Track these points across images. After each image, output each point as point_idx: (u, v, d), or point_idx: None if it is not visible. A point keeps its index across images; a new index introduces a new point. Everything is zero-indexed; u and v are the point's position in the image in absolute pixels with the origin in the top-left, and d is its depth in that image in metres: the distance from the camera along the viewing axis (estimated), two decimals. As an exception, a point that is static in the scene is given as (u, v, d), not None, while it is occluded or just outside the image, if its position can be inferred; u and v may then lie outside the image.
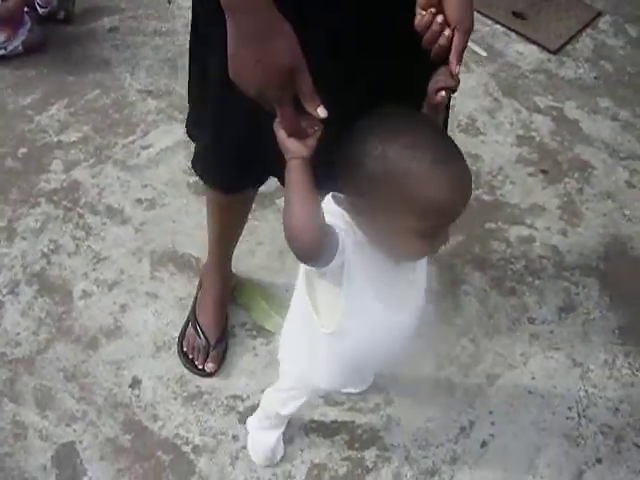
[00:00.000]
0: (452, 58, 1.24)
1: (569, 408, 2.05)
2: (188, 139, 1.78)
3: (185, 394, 2.01)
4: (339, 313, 1.34)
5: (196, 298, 2.13)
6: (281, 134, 1.16)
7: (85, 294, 2.20)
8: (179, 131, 2.49)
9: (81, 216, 2.37)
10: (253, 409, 1.97)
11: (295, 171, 1.17)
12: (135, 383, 2.03)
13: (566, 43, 3.09)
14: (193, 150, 1.76)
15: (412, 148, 1.16)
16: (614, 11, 3.26)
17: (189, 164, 1.83)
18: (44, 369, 2.04)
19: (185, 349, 2.06)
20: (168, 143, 2.56)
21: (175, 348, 2.08)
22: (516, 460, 1.95)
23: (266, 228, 2.32)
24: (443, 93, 1.26)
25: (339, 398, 2.00)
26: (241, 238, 2.04)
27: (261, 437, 1.88)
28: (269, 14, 1.06)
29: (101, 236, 2.33)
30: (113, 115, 2.66)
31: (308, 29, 1.10)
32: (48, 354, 2.07)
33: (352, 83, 1.33)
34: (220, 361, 2.05)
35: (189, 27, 1.50)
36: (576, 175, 2.60)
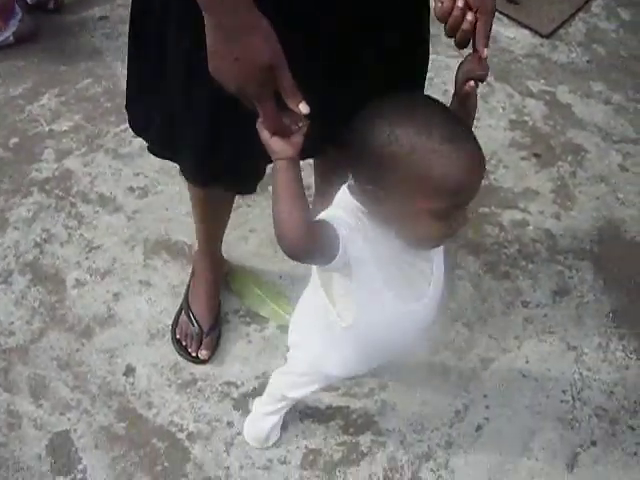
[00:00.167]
0: (478, 43, 1.23)
1: (563, 391, 2.05)
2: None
3: (179, 381, 2.01)
4: (354, 307, 1.34)
5: (189, 286, 2.12)
6: (264, 134, 1.14)
7: (78, 283, 2.19)
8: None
9: (73, 205, 2.37)
10: (247, 395, 1.98)
11: (281, 172, 1.15)
12: (129, 371, 2.02)
13: (559, 27, 3.09)
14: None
15: (423, 128, 1.15)
16: (606, -6, 3.26)
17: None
18: (38, 358, 2.04)
19: (178, 336, 2.06)
20: (160, 131, 2.55)
21: (169, 336, 2.08)
22: (511, 443, 1.95)
23: (259, 215, 2.32)
24: (472, 83, 1.24)
25: (334, 383, 2.00)
26: (234, 225, 2.03)
27: (260, 421, 1.88)
28: (247, 11, 1.05)
29: (93, 225, 2.32)
30: (105, 104, 2.65)
31: (287, 30, 1.08)
32: (42, 343, 2.07)
33: (332, 85, 1.33)
34: (214, 348, 2.05)
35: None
36: (569, 159, 2.60)
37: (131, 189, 2.40)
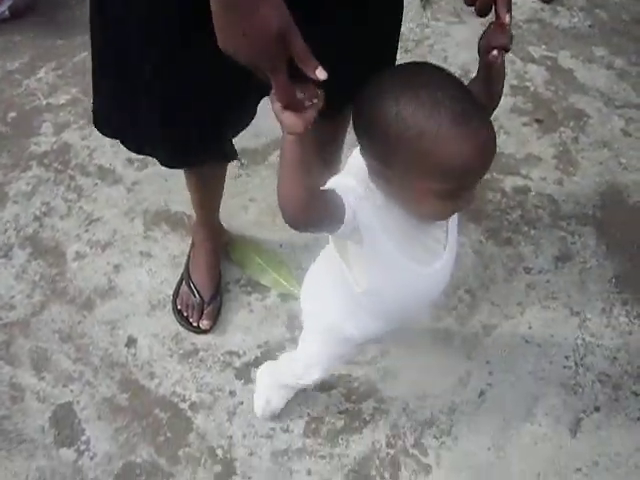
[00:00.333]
0: (500, 9, 1.19)
1: (566, 357, 2.05)
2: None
3: (181, 351, 2.01)
4: (368, 272, 1.32)
5: (189, 256, 2.12)
6: (276, 107, 1.09)
7: (78, 255, 2.19)
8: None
9: (72, 178, 2.36)
10: (249, 365, 1.98)
11: (289, 146, 1.12)
12: (131, 342, 2.02)
13: (560, -8, 3.06)
14: None
15: (431, 109, 1.10)
16: (608, -42, 3.22)
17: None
18: (40, 331, 2.04)
19: (179, 307, 2.06)
20: (158, 102, 2.53)
21: (170, 306, 2.08)
22: (514, 409, 1.95)
23: (259, 184, 2.31)
24: (495, 52, 1.20)
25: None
26: (233, 194, 2.02)
27: (266, 392, 1.86)
28: None
29: (93, 197, 2.31)
30: (102, 76, 2.64)
31: None
32: (43, 316, 2.07)
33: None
34: (215, 318, 2.05)
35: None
36: (571, 124, 2.58)
37: (130, 161, 2.39)
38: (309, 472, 1.84)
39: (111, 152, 2.41)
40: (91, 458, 1.84)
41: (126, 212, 2.28)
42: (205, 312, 2.03)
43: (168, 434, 1.88)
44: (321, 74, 1.05)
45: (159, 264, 2.17)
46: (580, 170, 2.46)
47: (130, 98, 1.47)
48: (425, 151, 1.12)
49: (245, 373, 1.97)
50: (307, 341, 1.65)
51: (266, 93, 1.09)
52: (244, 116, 1.59)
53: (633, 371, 2.03)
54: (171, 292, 2.10)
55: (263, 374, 1.88)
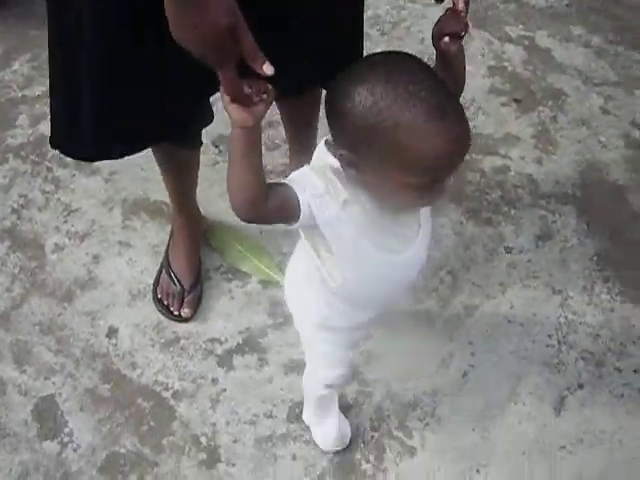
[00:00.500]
0: None
1: (549, 336, 2.05)
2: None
3: (162, 340, 2.00)
4: (339, 266, 1.31)
5: (168, 245, 2.11)
6: (225, 100, 1.10)
7: (57, 247, 2.18)
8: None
9: (49, 169, 2.34)
10: (231, 352, 1.98)
11: (237, 140, 1.13)
12: (112, 332, 2.02)
13: (536, -29, 3.05)
14: None
15: (407, 102, 1.09)
16: (584, -63, 3.21)
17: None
18: (20, 324, 2.03)
19: (160, 296, 2.05)
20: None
21: (150, 296, 2.07)
22: (497, 389, 1.95)
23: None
24: (447, 39, 1.20)
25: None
26: (211, 181, 2.02)
27: (322, 426, 1.84)
28: None
29: (71, 188, 2.30)
30: (78, 66, 2.62)
31: None
32: (23, 309, 2.06)
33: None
34: (196, 306, 2.04)
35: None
36: (550, 103, 2.58)
37: (107, 151, 2.37)
38: (294, 457, 1.83)
39: (88, 142, 2.39)
40: (74, 450, 1.84)
41: (104, 202, 2.26)
42: (186, 300, 2.03)
43: (151, 423, 1.88)
44: (268, 69, 1.06)
45: (139, 253, 2.16)
46: (559, 149, 2.45)
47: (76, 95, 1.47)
48: (399, 144, 1.11)
49: (227, 360, 1.97)
50: (311, 346, 1.63)
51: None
52: (199, 111, 1.60)
53: (616, 348, 2.03)
54: (151, 281, 2.09)
55: (305, 414, 1.86)
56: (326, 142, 1.26)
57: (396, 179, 1.15)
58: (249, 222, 1.19)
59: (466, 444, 1.87)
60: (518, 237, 2.23)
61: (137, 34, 1.29)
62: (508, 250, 2.20)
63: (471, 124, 2.45)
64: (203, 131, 1.80)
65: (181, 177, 1.95)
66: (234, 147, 1.14)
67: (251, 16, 1.05)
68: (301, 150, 2.03)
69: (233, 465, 1.82)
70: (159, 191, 2.24)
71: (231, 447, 1.85)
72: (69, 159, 2.33)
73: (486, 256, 2.19)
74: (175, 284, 2.03)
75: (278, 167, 2.28)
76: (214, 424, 1.87)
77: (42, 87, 2.57)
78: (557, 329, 2.06)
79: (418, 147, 1.11)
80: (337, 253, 1.28)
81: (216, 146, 2.24)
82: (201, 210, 2.12)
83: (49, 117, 2.40)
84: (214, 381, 1.94)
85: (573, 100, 2.60)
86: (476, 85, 2.60)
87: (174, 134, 1.62)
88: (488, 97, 2.58)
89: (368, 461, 1.83)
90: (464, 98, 2.51)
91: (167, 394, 1.92)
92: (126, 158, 2.17)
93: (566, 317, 2.08)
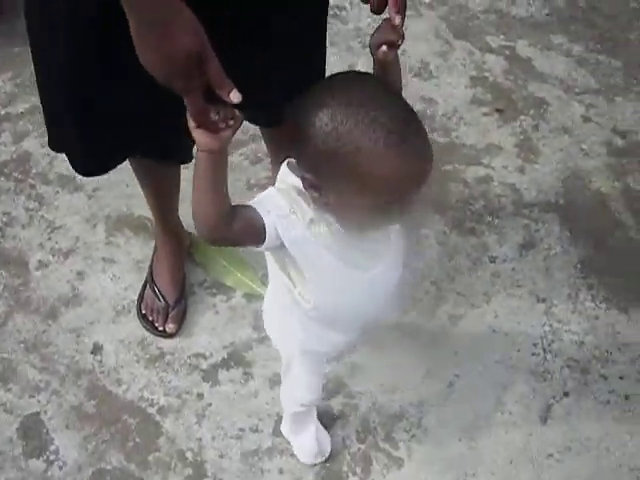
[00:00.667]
0: (391, 10, 1.19)
1: (534, 344, 2.05)
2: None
3: (147, 356, 2.00)
4: (311, 287, 1.31)
5: (152, 260, 2.11)
6: (190, 125, 1.10)
7: (41, 264, 2.17)
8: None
9: (33, 187, 2.34)
10: (216, 366, 1.98)
11: (202, 164, 1.13)
12: (97, 349, 2.01)
13: (516, -19, 3.07)
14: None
15: (368, 127, 1.09)
16: (563, -54, 3.23)
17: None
18: (4, 342, 2.02)
19: (144, 311, 2.05)
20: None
21: (135, 311, 2.07)
22: (483, 399, 1.95)
23: (220, 185, 2.30)
24: (384, 48, 1.19)
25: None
26: (193, 196, 2.01)
27: (300, 439, 1.84)
28: (165, 3, 1.00)
29: (54, 205, 2.30)
30: (60, 83, 2.62)
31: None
32: (8, 327, 2.05)
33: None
34: (180, 321, 2.04)
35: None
36: (531, 112, 2.59)
37: (91, 167, 2.37)
38: (280, 471, 1.83)
39: (71, 159, 2.39)
40: (60, 468, 1.83)
41: (88, 219, 2.26)
42: (170, 316, 2.02)
43: (137, 439, 1.87)
44: (235, 97, 1.06)
45: (123, 269, 2.15)
46: (541, 158, 2.46)
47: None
48: (361, 168, 1.12)
49: (212, 375, 1.96)
50: (287, 366, 1.62)
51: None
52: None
53: (601, 355, 2.04)
54: (135, 297, 2.09)
55: (283, 427, 1.86)
56: (288, 164, 1.27)
57: (358, 202, 1.16)
58: (214, 244, 1.19)
59: (453, 454, 1.87)
60: (502, 246, 2.23)
61: (106, 53, 1.30)
62: (492, 259, 2.20)
63: (453, 134, 2.50)
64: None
65: (162, 194, 1.95)
66: (200, 170, 1.14)
67: (220, 47, 1.05)
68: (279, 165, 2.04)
69: (220, 480, 1.82)
70: (142, 207, 2.23)
71: (217, 462, 1.84)
72: (52, 176, 2.35)
73: (470, 266, 2.19)
74: (159, 300, 2.03)
75: (261, 180, 2.29)
76: (200, 439, 1.87)
77: (25, 104, 2.56)
78: (542, 337, 2.06)
79: (380, 171, 1.11)
80: (307, 273, 1.28)
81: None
82: (184, 225, 2.12)
83: (32, 134, 2.42)
84: (199, 396, 1.94)
85: (554, 109, 2.61)
86: (458, 96, 2.62)
87: (150, 147, 1.61)
88: (470, 107, 2.59)
89: (355, 473, 1.83)
90: (446, 109, 2.57)
91: (152, 410, 1.91)
92: (110, 174, 2.18)
93: (551, 325, 2.09)
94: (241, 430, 1.89)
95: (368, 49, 1.22)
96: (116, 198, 2.30)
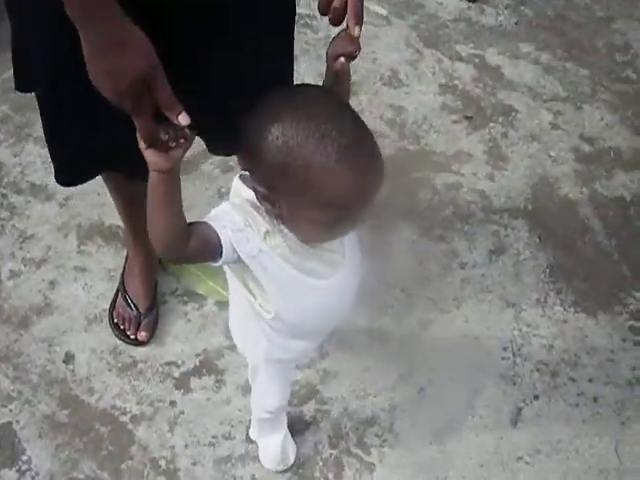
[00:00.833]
0: (350, 21, 1.21)
1: (504, 348, 2.07)
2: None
3: (120, 365, 2.00)
4: (270, 298, 1.32)
5: (124, 269, 2.11)
6: (141, 145, 1.10)
7: (13, 274, 2.17)
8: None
9: (4, 196, 2.34)
10: (188, 374, 1.98)
11: (154, 183, 1.13)
12: (69, 358, 2.01)
13: (485, -9, 3.10)
14: None
15: (317, 140, 1.11)
16: (531, -44, 3.27)
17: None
18: (-24, 352, 2.02)
19: (116, 320, 2.05)
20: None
21: (107, 320, 2.07)
22: (454, 403, 1.97)
23: (192, 194, 2.28)
24: (342, 59, 1.21)
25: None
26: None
27: (265, 443, 1.84)
28: (115, 24, 1.01)
29: (26, 214, 2.29)
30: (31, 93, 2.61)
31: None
32: (-21, 337, 2.05)
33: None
34: (152, 329, 2.04)
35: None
36: (500, 120, 2.62)
37: (62, 177, 2.37)
38: (253, 477, 1.84)
39: (43, 169, 2.38)
40: (33, 477, 1.83)
41: (60, 228, 2.26)
42: (142, 324, 2.03)
43: (110, 448, 1.87)
44: (184, 120, 1.07)
45: (94, 278, 2.15)
46: (510, 164, 2.49)
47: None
48: (312, 182, 1.13)
49: (185, 383, 1.97)
50: (254, 373, 1.63)
51: None
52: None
53: (570, 358, 2.07)
54: (107, 306, 2.09)
55: (252, 431, 1.87)
56: (241, 177, 1.28)
57: (309, 215, 1.18)
58: (172, 262, 1.19)
59: (425, 459, 1.88)
60: (472, 252, 2.26)
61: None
62: (462, 265, 2.23)
63: (423, 142, 2.53)
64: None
65: (133, 207, 1.94)
66: (152, 190, 1.14)
67: (175, 65, 1.07)
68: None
69: (193, 487, 1.82)
70: (114, 216, 2.23)
71: (190, 470, 1.85)
72: (24, 185, 2.34)
73: (440, 272, 2.21)
74: (131, 308, 2.03)
75: (233, 189, 2.29)
76: (173, 447, 1.87)
77: (-5, 114, 2.57)
78: (512, 341, 2.09)
79: (330, 185, 1.13)
80: (266, 285, 1.29)
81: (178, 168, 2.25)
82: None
83: (3, 144, 2.42)
84: (172, 404, 1.94)
85: (523, 116, 2.64)
86: (427, 103, 2.64)
87: (118, 162, 1.61)
88: (440, 115, 2.61)
89: (327, 479, 1.84)
90: (416, 117, 2.59)
91: (125, 418, 1.91)
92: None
93: (520, 330, 2.11)
94: (214, 437, 1.89)
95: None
96: (88, 207, 2.30)
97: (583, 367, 2.05)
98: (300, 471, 1.85)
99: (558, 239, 2.31)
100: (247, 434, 1.88)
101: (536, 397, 1.99)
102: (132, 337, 2.02)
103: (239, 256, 1.22)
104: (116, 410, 1.93)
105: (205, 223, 1.21)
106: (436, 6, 3.00)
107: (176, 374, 1.99)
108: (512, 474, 1.87)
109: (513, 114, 2.64)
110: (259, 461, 1.85)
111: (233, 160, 2.32)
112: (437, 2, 3.02)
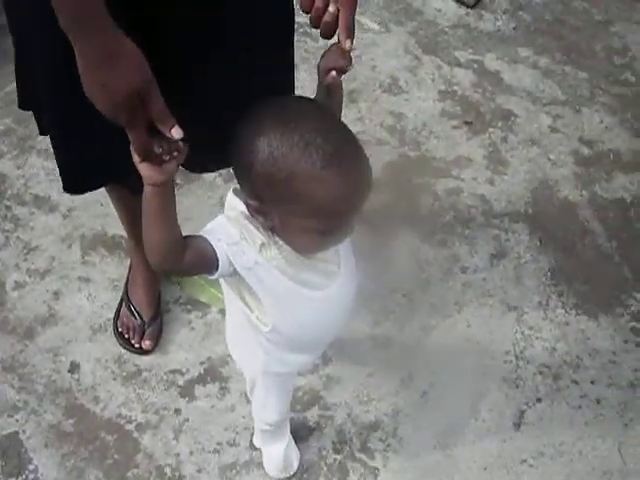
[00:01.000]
0: (341, 34, 1.21)
1: (506, 352, 2.08)
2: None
3: (124, 374, 2.01)
4: (267, 310, 1.32)
5: (128, 279, 2.12)
6: (135, 158, 1.11)
7: (18, 285, 2.18)
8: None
9: (8, 208, 2.35)
10: (193, 382, 2.00)
11: (149, 197, 1.14)
12: (74, 368, 2.02)
13: (483, -3, 3.12)
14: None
15: (301, 149, 1.12)
16: (529, -39, 3.29)
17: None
18: (-18, 363, 2.04)
19: (120, 329, 2.06)
20: (91, 128, 2.54)
21: (111, 330, 2.08)
22: (457, 407, 1.98)
23: (193, 203, 2.31)
24: (334, 73, 1.22)
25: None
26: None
27: (268, 451, 1.85)
28: (108, 36, 1.01)
29: (30, 226, 2.31)
30: (34, 105, 2.64)
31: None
32: (-15, 348, 2.07)
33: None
34: (156, 338, 2.06)
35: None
36: (500, 124, 2.63)
37: (65, 188, 2.39)
38: (258, 484, 1.86)
39: (46, 180, 2.41)
40: (39, 486, 1.85)
41: (63, 239, 2.28)
42: (146, 333, 2.04)
43: (116, 456, 1.88)
44: (176, 133, 1.08)
45: (98, 288, 2.17)
46: (510, 168, 2.50)
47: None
48: (299, 192, 1.14)
49: (189, 390, 1.98)
50: (252, 387, 1.64)
51: None
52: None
53: (572, 360, 2.07)
54: (112, 315, 2.10)
55: (256, 439, 1.87)
56: (234, 190, 1.28)
57: (301, 224, 1.19)
58: (167, 274, 1.20)
59: (428, 463, 1.89)
60: (473, 257, 2.27)
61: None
62: (463, 270, 2.24)
63: (423, 148, 2.54)
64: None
65: (136, 218, 1.94)
66: (147, 203, 1.15)
67: (167, 89, 1.07)
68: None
69: (198, 494, 1.84)
70: (117, 226, 2.24)
71: (196, 477, 1.86)
72: (27, 197, 2.36)
73: (441, 277, 2.22)
74: (135, 317, 2.04)
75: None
76: (178, 454, 1.89)
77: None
78: (514, 345, 2.10)
79: (318, 193, 1.14)
80: (263, 297, 1.29)
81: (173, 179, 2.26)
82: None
83: (7, 156, 2.44)
84: (177, 412, 1.95)
85: (522, 120, 2.65)
86: (427, 109, 2.65)
87: (118, 174, 1.60)
88: (439, 120, 2.63)
89: (332, 484, 1.86)
90: (416, 123, 2.60)
91: (130, 426, 1.93)
92: (85, 194, 2.22)
93: (522, 333, 2.12)
94: (218, 444, 1.90)
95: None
96: (91, 218, 2.32)
97: (585, 369, 2.06)
98: (305, 477, 1.86)
99: (559, 242, 2.32)
100: (251, 441, 1.89)
101: (539, 400, 2.00)
102: (136, 346, 2.04)
103: (235, 269, 1.23)
104: (121, 419, 1.94)
105: (201, 237, 1.22)
106: (434, 12, 3.02)
107: (180, 382, 2.00)
108: (516, 477, 1.88)
109: (512, 118, 2.65)
110: (264, 468, 1.86)
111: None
112: (435, 8, 3.03)
